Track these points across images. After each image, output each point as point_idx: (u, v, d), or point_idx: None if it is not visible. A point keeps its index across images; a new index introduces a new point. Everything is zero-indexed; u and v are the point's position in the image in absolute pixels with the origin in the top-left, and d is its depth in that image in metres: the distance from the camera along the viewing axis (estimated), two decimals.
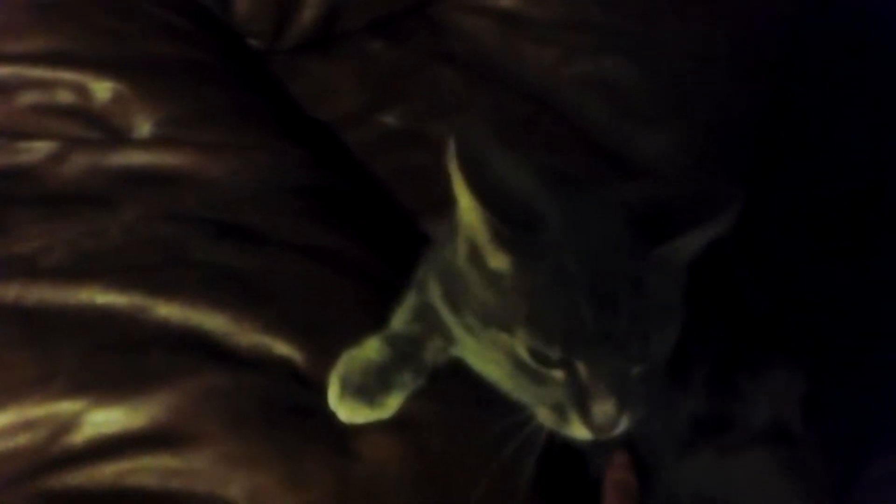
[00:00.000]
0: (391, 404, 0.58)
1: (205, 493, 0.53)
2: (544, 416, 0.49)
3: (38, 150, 0.73)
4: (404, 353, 0.59)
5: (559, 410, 0.48)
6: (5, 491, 0.53)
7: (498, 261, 0.48)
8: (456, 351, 0.62)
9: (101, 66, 0.77)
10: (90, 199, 0.69)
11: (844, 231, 0.81)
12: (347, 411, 0.57)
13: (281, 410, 0.58)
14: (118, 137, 0.75)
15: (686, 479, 0.67)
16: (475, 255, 0.50)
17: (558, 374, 0.48)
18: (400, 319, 0.62)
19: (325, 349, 0.61)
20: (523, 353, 0.48)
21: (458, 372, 0.64)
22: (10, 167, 0.72)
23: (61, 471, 0.54)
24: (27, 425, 0.56)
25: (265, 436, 0.56)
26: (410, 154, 0.90)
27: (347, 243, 0.71)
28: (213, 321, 0.61)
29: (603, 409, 0.46)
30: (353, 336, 0.61)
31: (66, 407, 0.56)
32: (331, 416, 0.58)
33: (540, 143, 0.89)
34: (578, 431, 0.48)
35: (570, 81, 0.93)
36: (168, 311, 0.61)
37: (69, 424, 0.56)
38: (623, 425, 0.48)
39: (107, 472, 0.54)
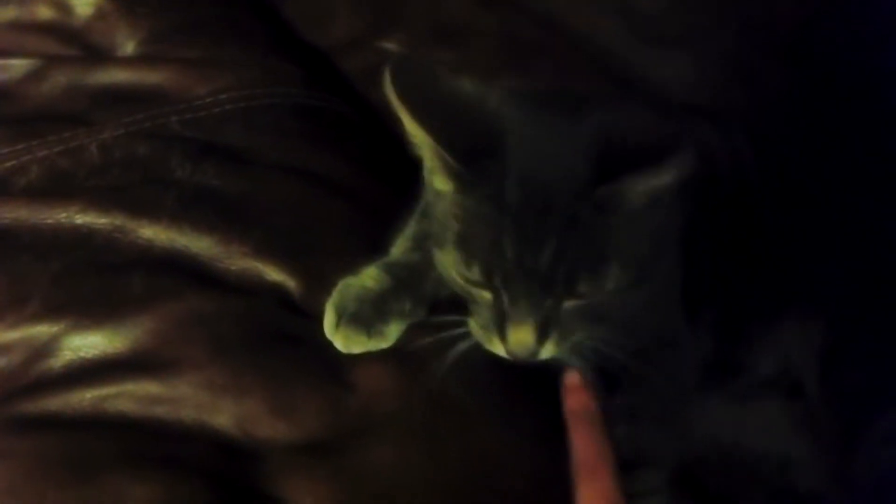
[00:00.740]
0: (390, 334, 0.55)
1: (191, 420, 0.51)
2: (475, 331, 0.50)
3: (15, 67, 0.69)
4: (403, 281, 0.56)
5: (485, 328, 0.49)
6: None
7: (440, 183, 0.48)
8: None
9: None
10: (68, 118, 0.65)
11: (875, 178, 0.76)
12: (344, 340, 0.54)
13: (271, 337, 0.55)
14: (99, 55, 0.71)
15: (698, 424, 0.65)
16: (427, 172, 0.50)
17: (486, 295, 0.48)
18: (399, 248, 0.59)
19: (319, 276, 0.58)
20: (454, 272, 0.48)
21: (459, 305, 0.61)
22: None
23: (38, 395, 0.51)
24: (1, 349, 0.53)
25: (253, 363, 0.53)
26: None
27: (341, 166, 0.67)
28: (199, 244, 0.58)
29: (518, 336, 0.47)
30: (348, 263, 0.58)
31: (41, 330, 0.53)
32: (324, 346, 0.55)
33: (549, 70, 0.84)
34: (498, 350, 0.49)
35: (583, 1, 0.88)
36: (151, 232, 0.57)
37: (45, 349, 0.53)
38: (545, 353, 0.48)
39: (86, 398, 0.51)
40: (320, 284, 0.58)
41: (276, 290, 0.58)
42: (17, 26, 0.72)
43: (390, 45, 0.88)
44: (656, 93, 0.83)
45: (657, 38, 0.83)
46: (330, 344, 0.54)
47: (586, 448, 0.49)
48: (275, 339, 0.55)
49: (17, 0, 0.73)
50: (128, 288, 0.55)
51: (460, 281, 0.49)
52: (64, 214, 0.57)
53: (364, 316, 0.55)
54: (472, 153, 0.45)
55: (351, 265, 0.58)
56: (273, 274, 0.58)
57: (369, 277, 0.57)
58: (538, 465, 0.52)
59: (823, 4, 0.85)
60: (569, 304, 0.47)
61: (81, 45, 0.72)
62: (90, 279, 0.55)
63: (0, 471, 0.48)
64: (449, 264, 0.49)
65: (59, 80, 0.68)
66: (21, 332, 0.53)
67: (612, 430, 0.50)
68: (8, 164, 0.61)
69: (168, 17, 0.73)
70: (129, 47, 0.72)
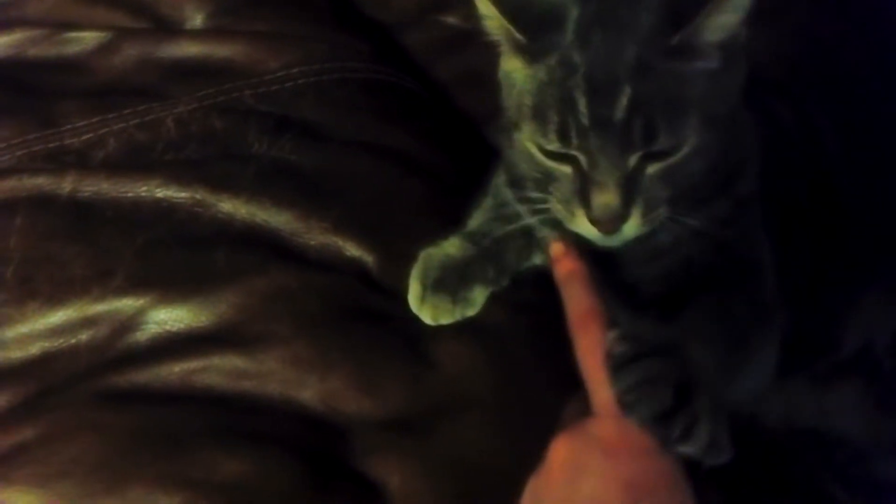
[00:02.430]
0: (475, 299, 0.55)
1: (278, 395, 0.51)
2: (557, 209, 0.48)
3: (86, 40, 0.69)
4: (485, 249, 0.56)
5: (566, 204, 0.47)
6: (67, 390, 0.51)
7: (512, 64, 0.48)
8: (538, 258, 0.58)
9: None
10: (142, 91, 0.65)
11: None
12: (430, 310, 0.54)
13: (352, 313, 0.55)
14: (169, 28, 0.70)
15: (775, 404, 0.63)
16: (497, 59, 0.50)
17: (566, 168, 0.46)
18: (478, 219, 0.58)
19: (396, 252, 0.58)
20: (530, 148, 0.47)
21: (533, 280, 0.61)
22: (58, 59, 0.68)
23: (125, 369, 0.51)
24: (87, 322, 0.53)
25: (336, 339, 0.53)
26: (474, 57, 0.83)
27: (414, 142, 0.66)
28: (279, 218, 0.57)
29: (603, 198, 0.44)
30: (424, 238, 0.58)
31: (127, 304, 0.53)
32: (405, 322, 0.55)
33: None
34: (584, 226, 0.46)
35: None
36: (231, 206, 0.57)
37: (131, 322, 0.53)
38: (633, 224, 0.46)
39: (174, 371, 0.51)
40: (398, 260, 0.57)
41: (356, 266, 0.57)
42: None
43: (452, 20, 0.87)
44: None
45: None
46: (415, 319, 0.54)
47: (578, 304, 0.48)
48: (356, 315, 0.55)
49: None
50: (211, 262, 0.54)
51: (539, 157, 0.47)
52: (144, 188, 0.57)
53: (448, 283, 0.54)
54: (537, 27, 0.45)
55: (427, 240, 0.57)
56: (352, 249, 0.58)
57: (451, 246, 0.56)
58: None
59: None
60: (652, 168, 0.45)
61: (150, 17, 0.71)
62: (173, 253, 0.55)
63: (91, 444, 0.48)
64: (527, 140, 0.47)
65: (130, 52, 0.68)
66: (106, 305, 0.53)
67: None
68: (84, 138, 0.61)
69: None
70: (197, 20, 0.71)
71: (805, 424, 0.64)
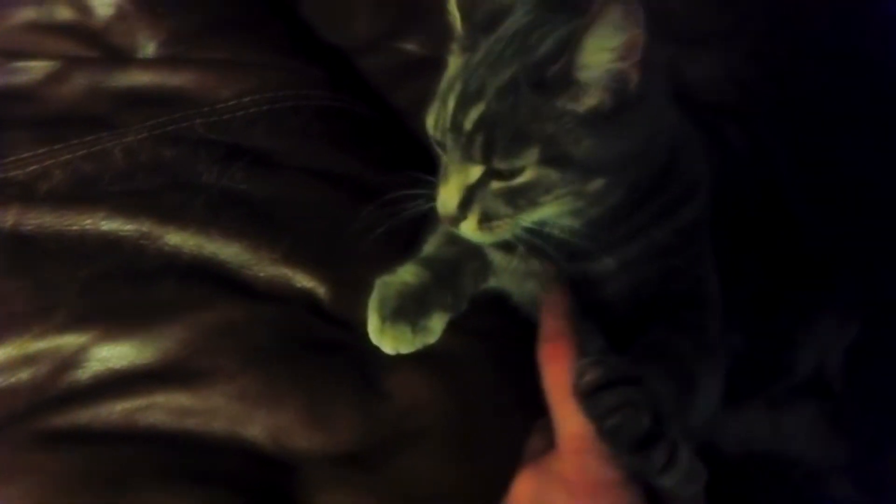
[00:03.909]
0: (434, 327, 0.54)
1: (223, 432, 0.49)
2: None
3: (35, 69, 0.68)
4: (442, 274, 0.55)
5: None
6: (6, 429, 0.49)
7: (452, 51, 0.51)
8: (493, 280, 0.58)
9: None
10: (91, 121, 0.64)
11: None
12: (391, 340, 0.53)
13: (302, 346, 0.54)
14: (120, 57, 0.69)
15: (733, 429, 0.63)
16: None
17: (443, 157, 0.50)
18: (433, 244, 0.58)
19: (349, 281, 0.57)
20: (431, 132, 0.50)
21: (490, 306, 0.60)
22: (6, 87, 0.67)
23: (66, 408, 0.50)
24: (27, 360, 0.52)
25: (286, 372, 0.52)
26: (432, 83, 0.83)
27: (368, 169, 0.65)
28: (227, 250, 0.56)
29: (445, 194, 0.48)
30: (378, 267, 0.57)
31: (69, 341, 0.52)
32: (357, 352, 0.54)
33: None
34: (438, 206, 0.49)
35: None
36: (179, 239, 0.56)
37: (73, 360, 0.52)
38: (468, 229, 0.48)
39: (116, 410, 0.50)
40: (350, 289, 0.57)
41: (306, 297, 0.57)
42: (37, 27, 0.70)
43: (410, 46, 0.87)
44: (684, 91, 0.81)
45: (685, 37, 0.81)
46: (369, 349, 0.53)
47: (551, 328, 0.49)
48: (307, 347, 0.54)
49: (35, 1, 0.71)
50: (157, 296, 0.53)
51: (432, 136, 0.50)
52: (90, 221, 0.56)
53: (407, 311, 0.54)
54: (478, 26, 0.49)
55: (380, 269, 0.56)
56: (302, 280, 0.57)
57: (407, 273, 0.56)
58: None
59: (852, 2, 0.84)
60: (495, 185, 0.47)
61: (102, 46, 0.70)
62: (118, 288, 0.54)
63: (31, 486, 0.47)
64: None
65: (80, 82, 0.67)
66: (47, 342, 0.52)
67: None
68: (30, 169, 0.60)
69: (188, 19, 0.72)
70: (149, 49, 0.70)
71: (761, 447, 0.64)
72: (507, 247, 0.53)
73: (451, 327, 0.57)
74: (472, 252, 0.56)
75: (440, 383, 0.54)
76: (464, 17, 0.50)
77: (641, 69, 0.44)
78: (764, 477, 0.66)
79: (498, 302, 0.61)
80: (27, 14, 0.71)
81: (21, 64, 0.68)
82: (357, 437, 0.51)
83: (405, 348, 0.53)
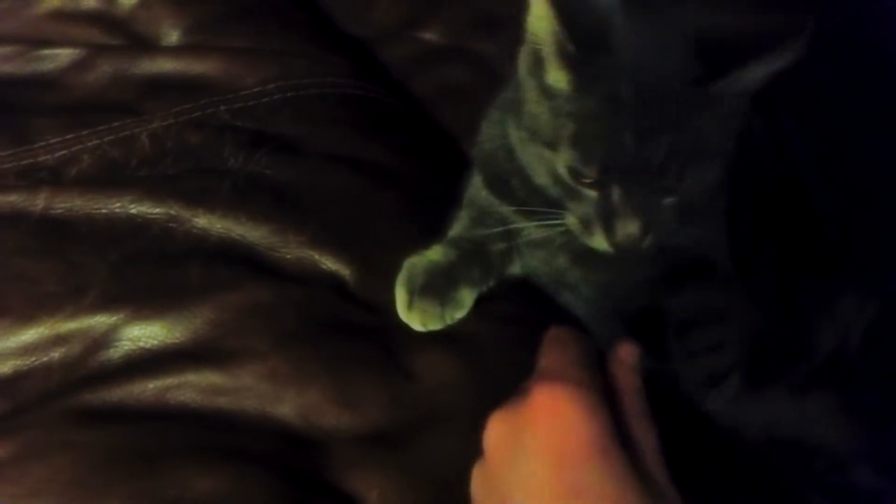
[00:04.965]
0: (463, 300, 0.55)
1: (255, 411, 0.50)
2: (572, 223, 0.51)
3: (60, 57, 0.68)
4: (469, 252, 0.56)
5: (586, 223, 0.50)
6: (39, 407, 0.50)
7: (557, 77, 0.47)
8: (517, 267, 0.59)
9: None
10: (116, 108, 0.64)
11: None
12: (419, 315, 0.54)
13: (329, 327, 0.54)
14: (145, 44, 0.70)
15: (754, 415, 0.64)
16: (536, 68, 0.49)
17: (591, 192, 0.49)
18: (459, 226, 0.59)
19: (374, 265, 0.58)
20: (562, 170, 0.49)
21: (515, 293, 0.61)
22: (32, 75, 0.68)
23: (99, 387, 0.50)
24: (59, 340, 0.52)
25: (314, 353, 0.53)
26: (451, 72, 0.84)
27: (392, 156, 0.66)
28: (254, 233, 0.57)
29: (627, 229, 0.48)
30: (403, 251, 0.58)
31: (100, 321, 0.52)
32: (383, 334, 0.55)
33: None
34: (599, 244, 0.50)
35: None
36: (206, 222, 0.57)
37: (105, 339, 0.52)
38: (646, 245, 0.49)
39: (148, 389, 0.50)
40: (375, 272, 0.57)
41: (332, 279, 0.57)
42: (61, 15, 0.71)
43: (430, 36, 0.87)
44: None
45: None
46: (396, 329, 0.53)
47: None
48: (333, 328, 0.54)
49: None
50: (185, 278, 0.54)
51: (567, 179, 0.49)
52: (118, 204, 0.57)
53: (435, 287, 0.54)
54: (587, 39, 0.46)
55: (405, 253, 0.58)
56: (329, 263, 0.57)
57: (434, 253, 0.57)
58: None
59: None
60: (667, 200, 0.49)
61: (126, 34, 0.71)
62: (147, 269, 0.54)
63: (64, 463, 0.47)
64: (561, 162, 0.48)
65: (105, 69, 0.67)
66: (79, 322, 0.52)
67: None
68: (58, 154, 0.60)
69: (211, 7, 0.72)
70: (173, 37, 0.71)
71: (783, 434, 0.64)
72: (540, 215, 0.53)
73: (476, 312, 0.57)
74: (497, 235, 0.57)
75: (465, 365, 0.54)
76: (570, 31, 0.45)
77: None
78: (786, 463, 0.66)
79: (522, 289, 0.61)
80: (52, 2, 0.71)
81: (47, 52, 0.69)
82: (384, 416, 0.51)
83: (434, 324, 0.54)
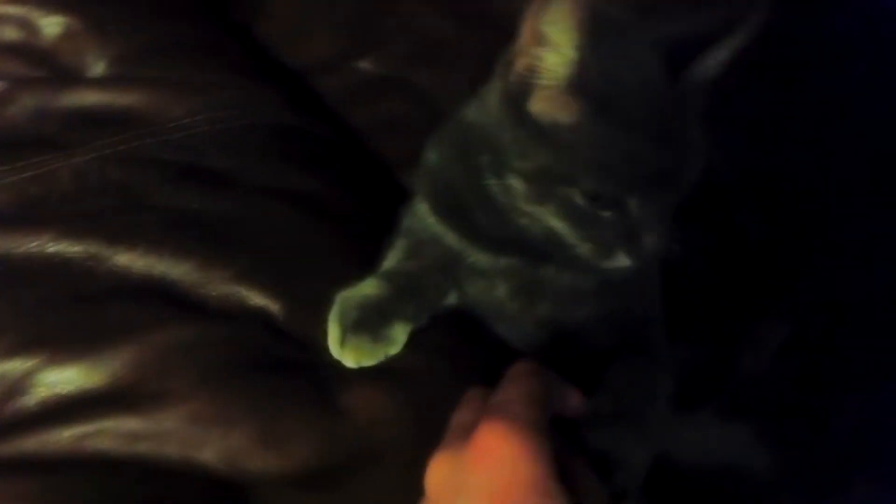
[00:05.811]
0: (396, 337, 0.54)
1: (177, 457, 0.48)
2: (586, 252, 0.50)
3: None
4: (403, 287, 0.55)
5: (604, 245, 0.49)
6: None
7: (565, 111, 0.47)
8: (453, 297, 0.58)
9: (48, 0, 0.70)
10: (38, 142, 0.62)
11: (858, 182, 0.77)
12: (352, 352, 0.52)
13: (256, 365, 0.53)
14: (69, 77, 0.68)
15: (684, 440, 0.64)
16: (522, 116, 0.49)
17: (607, 214, 0.48)
18: (393, 259, 0.58)
19: (305, 298, 0.56)
20: (579, 200, 0.48)
21: (450, 324, 0.60)
22: None
23: (12, 436, 0.48)
24: None
25: (239, 392, 0.51)
26: (389, 103, 0.83)
27: (324, 188, 0.65)
28: (178, 270, 0.55)
29: (654, 238, 0.48)
30: (335, 285, 0.56)
31: (15, 366, 0.50)
32: (314, 370, 0.54)
33: None
34: (621, 262, 0.50)
35: None
36: (128, 259, 0.55)
37: (20, 385, 0.50)
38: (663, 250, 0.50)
39: (63, 437, 0.48)
40: (306, 307, 0.56)
41: (260, 314, 0.56)
42: None
43: (368, 66, 0.87)
44: None
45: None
46: (327, 365, 0.52)
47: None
48: (260, 365, 0.53)
49: None
50: (105, 318, 0.52)
51: (586, 206, 0.48)
52: (35, 243, 0.55)
53: (368, 323, 0.53)
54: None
55: (336, 287, 0.56)
56: (256, 298, 0.56)
57: (368, 286, 0.55)
58: None
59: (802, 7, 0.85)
60: (673, 202, 0.50)
61: (50, 66, 0.69)
62: (65, 310, 0.52)
63: None
64: (579, 191, 0.48)
65: (27, 102, 0.65)
66: None
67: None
68: None
69: (138, 38, 0.71)
70: (98, 68, 0.69)
71: (713, 460, 0.64)
72: (498, 246, 0.53)
73: (411, 344, 0.56)
74: (434, 266, 0.56)
75: (401, 399, 0.53)
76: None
77: None
78: (718, 490, 0.66)
79: (459, 320, 0.60)
80: None
81: None
82: (314, 456, 0.50)
83: (367, 360, 0.53)
